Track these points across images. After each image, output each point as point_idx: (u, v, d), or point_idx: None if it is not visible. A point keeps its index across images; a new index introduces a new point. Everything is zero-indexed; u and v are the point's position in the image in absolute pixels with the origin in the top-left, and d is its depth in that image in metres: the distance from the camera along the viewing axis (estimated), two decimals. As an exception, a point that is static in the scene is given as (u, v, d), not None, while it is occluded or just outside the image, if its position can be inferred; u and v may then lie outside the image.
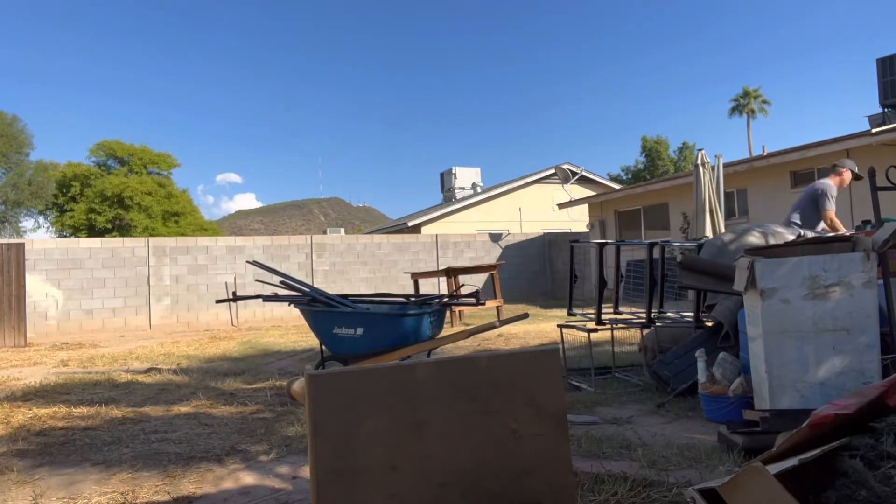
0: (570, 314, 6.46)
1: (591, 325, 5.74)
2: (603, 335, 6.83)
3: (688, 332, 5.58)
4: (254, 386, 6.30)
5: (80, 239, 17.95)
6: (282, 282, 6.28)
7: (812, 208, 6.14)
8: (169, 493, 3.12)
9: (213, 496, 3.06)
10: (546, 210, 23.82)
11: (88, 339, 12.87)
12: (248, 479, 3.31)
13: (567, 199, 20.71)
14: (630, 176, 53.42)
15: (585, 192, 22.81)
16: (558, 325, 6.17)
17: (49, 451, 4.02)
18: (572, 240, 7.06)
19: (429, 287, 17.73)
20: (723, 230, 9.98)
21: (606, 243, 6.57)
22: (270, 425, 4.49)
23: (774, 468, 1.84)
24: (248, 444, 3.99)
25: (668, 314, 6.04)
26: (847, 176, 6.23)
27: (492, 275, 13.30)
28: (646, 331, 5.71)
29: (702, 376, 4.24)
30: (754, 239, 5.71)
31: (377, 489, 1.71)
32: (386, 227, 29.91)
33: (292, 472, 3.40)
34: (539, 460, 1.86)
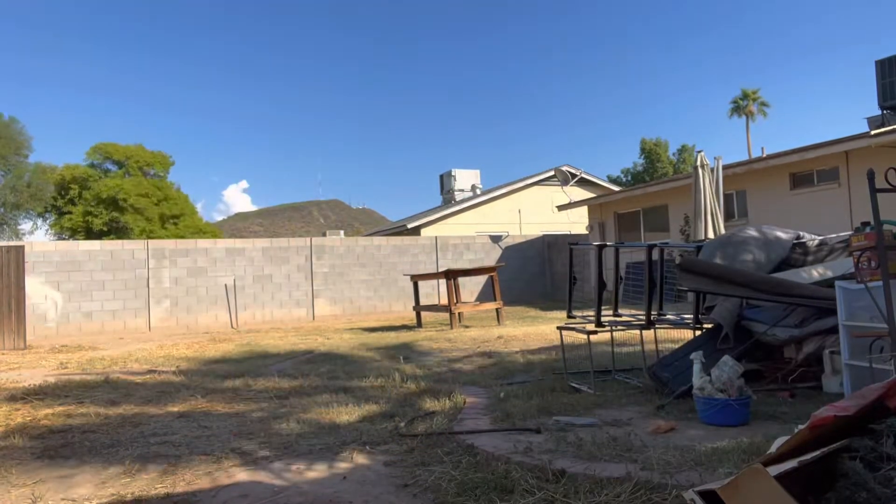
0: (569, 316, 6.46)
1: (591, 326, 5.73)
2: (602, 337, 6.82)
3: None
4: (253, 388, 6.30)
5: (80, 241, 17.96)
6: None
7: None
8: (168, 494, 3.12)
9: (212, 498, 3.06)
10: (545, 212, 23.80)
11: (88, 342, 12.85)
12: (247, 480, 3.31)
13: (566, 201, 20.70)
14: (629, 178, 53.43)
15: (585, 194, 22.80)
16: (558, 327, 6.17)
17: (48, 452, 4.01)
18: (571, 242, 7.06)
19: (428, 289, 17.73)
20: (722, 232, 9.99)
21: (605, 245, 6.57)
22: (269, 427, 4.48)
23: (774, 470, 1.84)
24: (247, 446, 3.99)
25: (668, 316, 6.04)
26: None
27: (491, 276, 13.29)
28: None
29: (696, 379, 4.21)
30: (753, 233, 5.72)
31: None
32: (385, 229, 29.90)
33: (291, 473, 3.39)
34: None
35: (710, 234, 9.89)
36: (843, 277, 4.50)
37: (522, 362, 7.21)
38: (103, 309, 15.06)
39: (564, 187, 22.56)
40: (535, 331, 10.63)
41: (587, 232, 19.84)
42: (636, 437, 3.66)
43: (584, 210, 20.13)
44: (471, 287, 18.11)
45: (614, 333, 6.21)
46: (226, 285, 16.21)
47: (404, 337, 11.03)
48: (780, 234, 5.70)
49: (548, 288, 20.11)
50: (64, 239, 33.20)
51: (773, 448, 2.21)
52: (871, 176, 3.35)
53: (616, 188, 25.11)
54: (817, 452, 1.89)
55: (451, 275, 12.61)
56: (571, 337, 6.24)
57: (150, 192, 34.52)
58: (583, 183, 24.58)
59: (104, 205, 33.47)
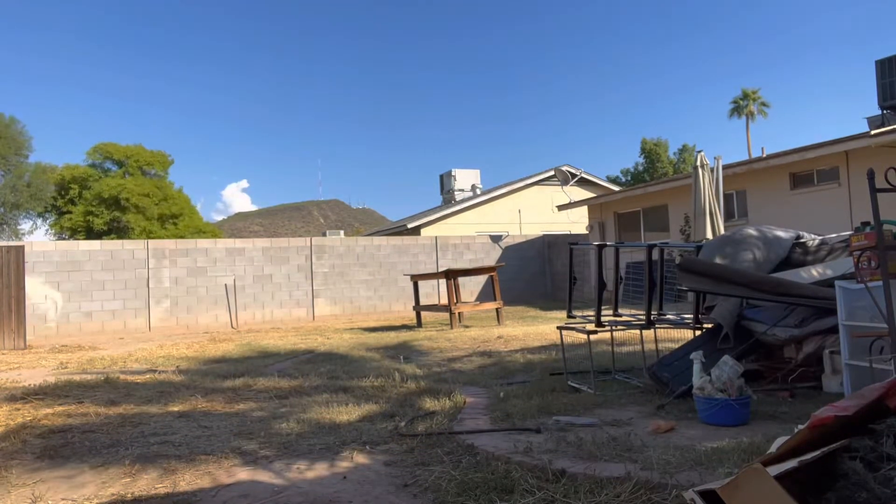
0: (569, 316, 6.46)
1: (591, 326, 5.74)
2: (603, 337, 6.83)
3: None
4: (253, 388, 6.30)
5: (80, 241, 17.94)
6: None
7: None
8: (168, 494, 3.12)
9: (212, 497, 3.06)
10: (545, 212, 23.81)
11: (88, 342, 12.85)
12: (247, 480, 3.31)
13: (566, 201, 20.70)
14: (629, 178, 53.42)
15: (585, 194, 22.81)
16: (558, 327, 6.17)
17: (48, 453, 4.01)
18: (571, 242, 7.06)
19: (428, 289, 17.73)
20: (722, 232, 9.99)
21: (605, 245, 6.57)
22: (269, 426, 4.48)
23: (774, 470, 1.84)
24: (248, 446, 3.99)
25: (668, 316, 6.04)
26: None
27: (491, 276, 13.29)
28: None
29: (696, 379, 4.21)
30: (753, 233, 5.72)
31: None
32: (385, 228, 29.91)
33: (291, 472, 3.39)
34: None
35: (710, 234, 9.89)
36: (843, 277, 4.50)
37: (522, 362, 7.21)
38: (103, 309, 15.06)
39: (564, 187, 22.56)
40: (535, 331, 10.63)
41: (587, 232, 19.83)
42: (636, 437, 3.67)
43: (584, 210, 20.13)
44: (471, 287, 18.11)
45: (614, 333, 6.21)
46: (226, 285, 16.21)
47: (404, 337, 11.03)
48: (780, 234, 5.70)
49: (548, 288, 20.11)
50: (64, 239, 33.21)
51: (773, 448, 2.21)
52: (871, 176, 3.35)
53: (616, 188, 25.10)
54: (817, 452, 1.89)
55: (451, 275, 12.61)
56: (571, 337, 6.25)
57: (151, 191, 34.53)
58: (583, 183, 24.58)
59: (105, 204, 33.49)
